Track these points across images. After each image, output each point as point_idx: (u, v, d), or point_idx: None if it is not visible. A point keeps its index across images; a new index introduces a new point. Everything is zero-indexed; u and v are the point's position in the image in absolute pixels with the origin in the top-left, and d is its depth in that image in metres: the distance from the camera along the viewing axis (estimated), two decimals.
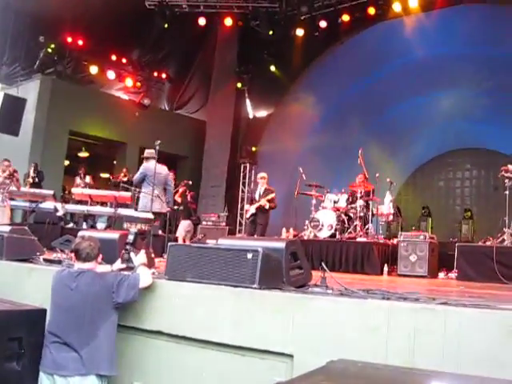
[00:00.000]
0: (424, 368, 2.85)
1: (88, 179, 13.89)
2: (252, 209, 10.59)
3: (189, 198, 13.27)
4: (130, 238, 4.63)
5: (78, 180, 13.93)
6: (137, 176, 9.02)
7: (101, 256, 4.22)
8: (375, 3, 13.71)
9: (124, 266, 4.54)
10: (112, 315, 3.94)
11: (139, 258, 4.36)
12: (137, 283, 3.97)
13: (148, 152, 8.82)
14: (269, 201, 10.47)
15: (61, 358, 3.81)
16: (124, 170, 14.47)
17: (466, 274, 8.06)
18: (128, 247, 4.59)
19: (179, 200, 13.49)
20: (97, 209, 11.88)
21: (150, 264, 5.22)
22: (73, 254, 4.21)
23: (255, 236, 9.99)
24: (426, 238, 9.08)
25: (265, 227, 10.61)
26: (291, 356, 3.39)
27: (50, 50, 14.81)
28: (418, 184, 17.88)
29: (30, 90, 14.86)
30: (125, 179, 13.86)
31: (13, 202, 11.75)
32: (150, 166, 8.49)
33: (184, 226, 12.35)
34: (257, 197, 10.69)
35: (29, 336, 4.09)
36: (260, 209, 10.43)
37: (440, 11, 13.19)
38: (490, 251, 7.92)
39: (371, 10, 13.83)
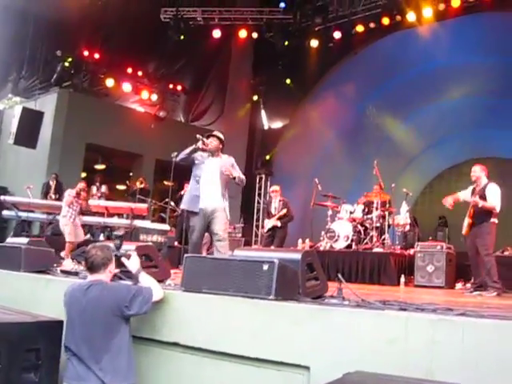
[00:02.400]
0: (442, 380, 2.83)
1: (104, 189, 13.98)
2: (269, 224, 10.66)
3: None
4: (117, 242, 4.46)
5: (94, 189, 14.02)
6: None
7: (112, 266, 4.11)
8: (389, 13, 13.69)
9: (118, 270, 4.32)
10: (124, 326, 3.90)
11: (133, 262, 4.25)
12: (150, 298, 3.93)
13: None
14: (281, 217, 10.59)
15: (81, 371, 3.81)
16: (141, 178, 14.46)
17: (484, 284, 7.96)
18: (117, 253, 4.31)
19: None
20: (113, 220, 11.96)
21: (166, 275, 5.24)
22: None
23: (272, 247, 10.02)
24: (443, 248, 9.01)
25: (283, 240, 10.69)
26: (307, 368, 3.37)
27: (67, 64, 14.97)
28: (434, 194, 17.74)
29: (47, 104, 15.03)
30: (141, 186, 13.88)
31: (31, 214, 11.89)
32: None
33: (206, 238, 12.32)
34: (273, 210, 10.78)
35: (46, 347, 4.11)
36: (276, 225, 10.52)
37: (454, 20, 13.14)
38: (508, 261, 7.86)
39: (385, 20, 13.82)
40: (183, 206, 7.27)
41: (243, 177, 6.98)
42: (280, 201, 10.80)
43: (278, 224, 10.54)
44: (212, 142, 6.91)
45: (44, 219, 11.93)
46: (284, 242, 10.74)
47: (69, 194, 9.79)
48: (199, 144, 6.85)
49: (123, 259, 4.27)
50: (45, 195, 13.04)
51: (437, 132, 15.76)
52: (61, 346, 4.11)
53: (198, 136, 6.94)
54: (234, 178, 6.80)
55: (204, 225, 6.75)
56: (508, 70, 12.80)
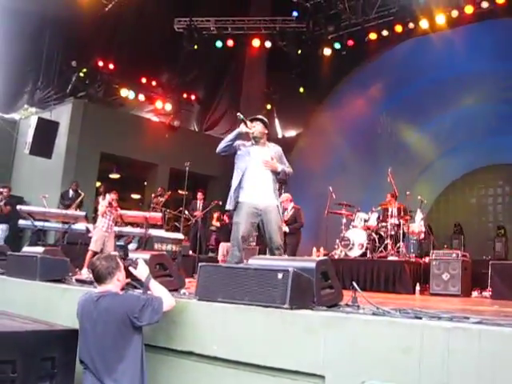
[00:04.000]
0: None
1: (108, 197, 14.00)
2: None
3: (227, 219, 13.36)
4: (120, 252, 4.38)
5: (100, 200, 14.06)
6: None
7: (120, 275, 4.03)
8: (402, 21, 13.71)
9: (128, 280, 4.29)
10: (135, 337, 3.87)
11: (141, 270, 4.16)
12: (161, 308, 3.87)
13: None
14: (288, 223, 10.35)
15: (95, 383, 3.81)
16: (160, 189, 14.43)
17: (501, 292, 7.89)
18: (124, 262, 4.21)
19: (218, 225, 13.61)
20: (128, 229, 12.01)
21: (181, 284, 5.25)
22: None
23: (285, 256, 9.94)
24: (459, 256, 8.94)
25: (295, 247, 10.55)
26: (323, 377, 3.35)
27: (81, 74, 15.13)
28: (449, 201, 17.65)
29: (62, 114, 15.16)
30: (162, 200, 13.82)
31: (46, 224, 11.98)
32: None
33: (224, 248, 12.30)
34: (285, 218, 10.62)
35: (62, 356, 4.13)
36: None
37: (467, 27, 13.12)
38: None
39: (398, 28, 13.84)
40: (228, 206, 6.14)
41: (290, 170, 6.20)
42: (293, 208, 10.76)
43: (287, 229, 10.09)
44: (255, 127, 6.09)
45: (59, 228, 11.99)
46: (297, 249, 10.60)
47: (101, 204, 9.88)
48: (242, 127, 6.05)
49: (131, 268, 4.19)
50: (64, 205, 13.05)
51: (451, 139, 15.68)
52: (76, 355, 4.12)
53: (238, 114, 6.14)
54: (279, 174, 6.02)
55: (253, 223, 5.88)
56: None
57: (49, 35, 14.08)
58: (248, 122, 6.06)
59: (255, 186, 5.91)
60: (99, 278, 3.97)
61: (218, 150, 6.17)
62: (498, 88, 13.50)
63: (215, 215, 14.00)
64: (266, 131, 6.22)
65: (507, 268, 8.38)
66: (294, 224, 10.52)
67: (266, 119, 6.29)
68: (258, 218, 5.87)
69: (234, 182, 6.06)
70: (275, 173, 5.99)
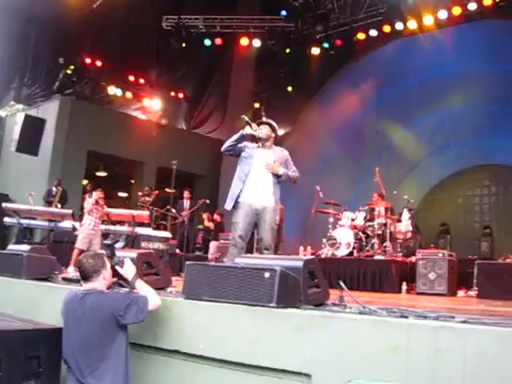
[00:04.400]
0: None
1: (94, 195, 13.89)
2: None
3: (219, 218, 13.36)
4: (108, 252, 4.39)
5: (87, 198, 13.96)
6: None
7: (106, 273, 4.04)
8: (390, 21, 13.76)
9: (115, 279, 4.31)
10: (120, 335, 3.86)
11: (127, 269, 4.16)
12: (146, 307, 3.85)
13: None
14: None
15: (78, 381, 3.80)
16: (147, 188, 14.31)
17: (486, 291, 7.97)
18: (110, 262, 4.18)
19: (211, 225, 13.58)
20: (115, 228, 11.94)
21: (167, 283, 5.23)
22: None
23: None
24: (445, 255, 8.99)
25: (277, 245, 10.57)
26: (309, 376, 3.36)
27: (69, 72, 15.03)
28: (436, 201, 17.72)
29: (49, 111, 15.08)
30: (149, 199, 13.74)
31: (32, 222, 11.89)
32: None
33: (214, 246, 12.31)
34: None
35: (47, 355, 4.11)
36: None
37: (455, 28, 13.20)
38: (511, 268, 7.84)
39: (386, 28, 13.89)
40: (227, 206, 6.13)
41: (296, 174, 6.23)
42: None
43: None
44: (262, 130, 6.12)
45: (46, 226, 11.90)
46: (278, 246, 10.57)
47: (87, 202, 9.83)
48: (247, 129, 6.06)
49: (117, 267, 4.18)
50: (48, 202, 13.00)
51: (438, 139, 15.75)
52: (61, 354, 4.10)
53: (242, 116, 6.17)
54: (280, 176, 6.06)
55: (250, 223, 5.93)
56: (509, 77, 12.82)
57: (36, 32, 13.99)
58: (254, 125, 6.09)
59: (255, 187, 5.96)
60: (85, 275, 3.96)
61: (222, 148, 6.24)
62: (485, 88, 13.58)
63: (204, 216, 13.94)
64: (273, 135, 6.22)
65: (493, 267, 8.46)
66: None
67: (274, 123, 6.28)
68: (255, 217, 5.94)
69: (236, 183, 6.08)
70: (277, 176, 6.03)
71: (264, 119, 6.31)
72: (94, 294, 3.89)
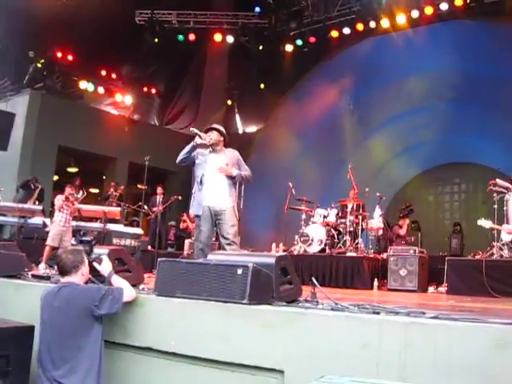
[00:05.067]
0: (415, 383, 2.85)
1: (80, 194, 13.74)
2: None
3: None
4: (86, 248, 4.44)
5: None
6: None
7: (84, 269, 4.10)
8: (363, 19, 13.86)
9: (89, 276, 4.33)
10: (95, 327, 3.89)
11: (104, 265, 4.28)
12: (121, 298, 3.94)
13: None
14: None
15: (50, 376, 3.77)
16: (113, 183, 14.21)
17: (456, 287, 8.11)
18: (88, 258, 4.26)
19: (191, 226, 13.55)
20: (85, 224, 11.82)
21: (139, 279, 5.19)
22: None
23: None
24: (416, 252, 9.11)
25: None
26: (282, 372, 3.37)
27: (39, 65, 14.80)
28: (407, 198, 17.88)
29: (19, 105, 14.82)
30: (116, 194, 13.61)
31: (1, 218, 11.70)
32: None
33: (189, 243, 12.28)
34: None
35: (16, 353, 4.05)
36: None
37: (428, 27, 13.34)
38: (480, 265, 7.97)
39: (360, 26, 13.98)
40: (192, 211, 6.75)
41: (248, 173, 6.51)
42: None
43: None
44: (211, 136, 6.42)
45: (15, 223, 11.72)
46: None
47: (58, 198, 9.72)
48: (196, 140, 6.40)
49: (95, 264, 4.28)
50: (24, 199, 12.76)
51: (409, 137, 15.91)
52: (31, 352, 4.05)
53: (191, 129, 6.58)
54: (234, 178, 6.37)
55: (212, 225, 6.31)
56: (481, 77, 13.00)
57: (4, 24, 13.71)
58: (202, 134, 6.41)
59: (211, 191, 6.35)
60: (64, 270, 4.01)
61: (177, 160, 6.65)
62: (455, 87, 13.75)
63: (185, 217, 13.83)
64: (222, 138, 6.54)
65: (463, 264, 8.60)
66: None
67: (221, 128, 6.60)
68: (214, 218, 6.31)
69: (195, 189, 6.59)
70: (231, 177, 6.37)
71: (212, 125, 6.63)
72: (69, 287, 3.94)
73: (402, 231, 11.68)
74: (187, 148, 6.52)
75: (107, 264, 4.29)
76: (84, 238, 4.62)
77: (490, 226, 8.75)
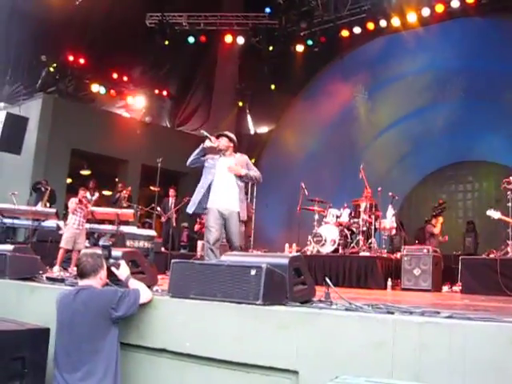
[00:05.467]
0: (430, 383, 2.84)
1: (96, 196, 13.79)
2: None
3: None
4: (105, 252, 4.49)
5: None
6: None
7: (103, 273, 4.16)
8: (374, 18, 13.81)
9: (107, 280, 4.37)
10: (112, 330, 3.92)
11: (122, 270, 4.34)
12: (137, 299, 3.98)
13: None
14: None
15: (67, 379, 3.80)
16: (120, 185, 14.22)
17: (470, 286, 8.05)
18: (106, 263, 4.31)
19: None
20: (99, 226, 11.89)
21: (153, 281, 5.21)
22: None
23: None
24: (430, 251, 9.05)
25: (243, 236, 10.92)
26: (296, 372, 3.37)
27: (51, 69, 14.92)
28: (420, 198, 17.84)
29: (32, 109, 14.93)
30: (125, 195, 13.63)
31: (15, 221, 11.79)
32: None
33: (202, 244, 12.30)
34: None
35: (32, 355, 4.07)
36: None
37: (439, 25, 13.28)
38: (494, 264, 7.91)
39: (370, 25, 13.94)
40: (188, 210, 6.92)
41: (257, 174, 6.77)
42: None
43: None
44: (221, 141, 6.72)
45: (29, 226, 11.81)
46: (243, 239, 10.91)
47: (71, 201, 9.80)
48: (207, 143, 6.67)
49: (113, 269, 4.33)
50: (35, 201, 12.86)
51: (421, 136, 15.85)
52: (47, 354, 4.08)
53: (201, 131, 6.92)
54: (242, 177, 6.62)
55: (221, 227, 6.54)
56: (493, 74, 12.93)
57: (17, 29, 13.82)
58: (213, 138, 6.68)
59: (220, 194, 6.58)
60: (83, 273, 4.06)
61: (187, 163, 6.91)
62: (467, 85, 13.69)
63: (199, 220, 13.84)
64: (231, 144, 6.80)
65: (476, 263, 8.53)
66: None
67: (231, 135, 6.89)
68: (223, 220, 6.54)
69: (198, 192, 6.79)
70: (239, 177, 6.63)
71: (223, 132, 6.92)
72: (87, 290, 3.98)
73: (436, 230, 11.48)
74: (197, 150, 6.77)
75: (125, 268, 4.36)
76: (103, 243, 4.65)
77: (499, 217, 8.70)
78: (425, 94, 14.74)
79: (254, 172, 6.75)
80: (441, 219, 11.93)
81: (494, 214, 8.72)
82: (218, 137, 6.77)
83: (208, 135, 6.68)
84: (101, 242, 4.58)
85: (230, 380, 3.69)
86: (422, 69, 14.12)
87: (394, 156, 16.64)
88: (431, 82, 14.24)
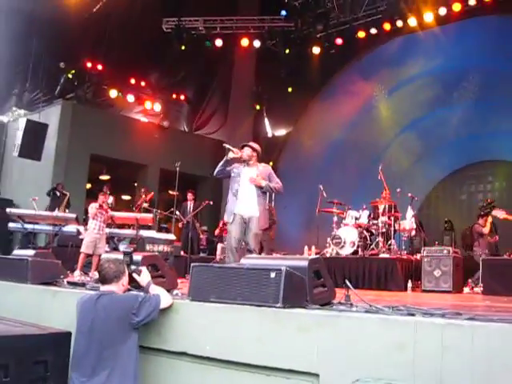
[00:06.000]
0: None
1: (111, 200, 13.88)
2: None
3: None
4: (126, 259, 4.53)
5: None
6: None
7: (125, 279, 4.21)
8: (390, 19, 13.75)
9: (128, 286, 4.43)
10: (132, 335, 3.95)
11: (143, 276, 4.38)
12: (158, 304, 4.00)
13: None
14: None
15: (85, 382, 3.83)
16: (143, 190, 14.32)
17: (492, 288, 7.94)
18: (127, 269, 4.38)
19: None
20: (119, 231, 11.97)
21: (173, 285, 5.23)
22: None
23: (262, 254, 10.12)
24: (450, 252, 8.96)
25: (270, 242, 11.22)
26: (317, 375, 3.36)
27: (70, 76, 15.07)
28: (439, 198, 17.70)
29: (51, 116, 15.09)
30: (146, 205, 13.69)
31: (36, 226, 11.92)
32: None
33: (221, 248, 12.35)
34: None
35: (54, 359, 4.11)
36: None
37: (455, 24, 13.18)
38: None
39: (387, 26, 13.88)
40: (225, 217, 7.26)
41: (278, 185, 7.05)
42: None
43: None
44: (244, 151, 7.03)
45: (50, 231, 11.93)
46: (272, 244, 11.29)
47: (91, 206, 9.88)
48: (230, 155, 6.93)
49: (134, 275, 4.38)
50: (52, 206, 12.97)
51: (439, 136, 15.74)
52: (69, 358, 4.11)
53: (224, 145, 7.15)
54: (262, 188, 6.92)
55: (242, 231, 6.86)
56: (509, 72, 12.79)
57: (36, 36, 13.99)
58: (235, 149, 6.95)
59: (243, 200, 6.94)
60: (105, 279, 4.11)
61: (214, 173, 7.23)
62: (486, 84, 13.56)
63: (220, 225, 13.89)
64: (255, 154, 7.11)
65: (498, 263, 8.44)
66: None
67: (255, 145, 7.22)
68: (244, 225, 6.90)
69: (231, 199, 7.07)
70: (260, 187, 6.93)
71: (247, 143, 7.24)
72: (108, 295, 4.02)
73: (486, 229, 11.28)
74: (221, 162, 7.04)
75: (146, 275, 4.40)
76: (125, 249, 4.70)
77: (504, 217, 8.63)
78: (443, 93, 14.64)
79: (276, 184, 7.03)
80: (490, 219, 11.66)
81: (499, 213, 8.66)
82: (242, 147, 7.07)
83: (231, 148, 6.95)
84: (122, 248, 4.60)
85: (251, 383, 3.70)
86: (439, 68, 14.02)
87: (412, 156, 16.53)
88: (449, 81, 14.13)
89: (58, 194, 13.27)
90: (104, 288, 4.11)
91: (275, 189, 7.01)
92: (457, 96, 14.57)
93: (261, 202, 6.93)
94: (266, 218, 7.04)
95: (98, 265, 4.39)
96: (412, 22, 13.34)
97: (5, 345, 3.90)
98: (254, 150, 7.09)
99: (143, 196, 13.79)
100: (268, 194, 7.14)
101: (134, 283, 4.42)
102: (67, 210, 12.91)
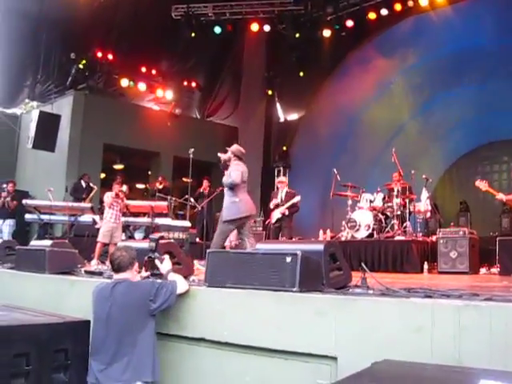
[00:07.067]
0: (471, 366, 2.81)
1: (125, 188, 13.95)
2: (277, 214, 10.69)
3: None
4: (152, 245, 4.60)
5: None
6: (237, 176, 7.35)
7: (137, 265, 4.26)
8: None
9: (148, 273, 4.54)
10: (149, 322, 4.00)
11: (165, 264, 4.43)
12: (174, 290, 4.05)
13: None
14: (290, 207, 10.75)
15: (105, 370, 3.87)
16: (160, 178, 14.51)
17: (509, 268, 7.88)
18: (151, 255, 4.54)
19: None
20: (134, 219, 12.02)
21: (189, 271, 5.26)
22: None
23: (281, 239, 10.11)
24: (466, 233, 8.92)
25: (291, 230, 10.92)
26: (335, 358, 3.37)
27: (81, 66, 15.07)
28: (454, 179, 17.57)
29: (63, 106, 15.14)
30: (160, 187, 13.88)
31: (53, 217, 12.01)
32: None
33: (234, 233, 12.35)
34: (279, 201, 10.79)
35: (74, 347, 4.17)
36: (284, 213, 10.70)
37: (466, 3, 13.00)
38: None
39: (398, 7, 13.71)
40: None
41: (229, 180, 7.32)
42: (288, 192, 10.89)
43: (287, 212, 10.69)
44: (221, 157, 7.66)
45: (66, 221, 12.01)
46: (292, 232, 10.96)
47: (107, 195, 9.93)
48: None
49: (157, 261, 4.45)
50: (78, 198, 13.00)
51: (454, 116, 15.57)
52: (88, 346, 4.16)
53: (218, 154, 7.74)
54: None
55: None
56: None
57: (47, 28, 13.99)
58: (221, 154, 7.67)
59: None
60: (120, 267, 4.14)
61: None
62: (499, 64, 13.37)
63: None
64: (231, 156, 7.57)
65: None
66: (292, 208, 10.82)
67: (231, 148, 7.67)
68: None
69: None
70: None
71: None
72: (124, 283, 4.07)
73: None
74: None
75: (168, 263, 4.45)
76: (152, 236, 4.78)
77: (486, 189, 8.60)
78: (455, 73, 14.46)
79: (229, 178, 7.36)
80: None
81: (482, 185, 8.63)
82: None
83: (220, 155, 7.65)
84: (152, 236, 4.68)
85: (269, 367, 3.72)
86: (451, 48, 13.84)
87: (426, 138, 16.39)
88: (461, 61, 13.95)
89: (84, 185, 13.32)
90: (118, 276, 4.15)
91: (224, 184, 7.42)
92: (470, 76, 14.39)
93: (226, 198, 7.39)
94: (231, 212, 7.22)
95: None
96: (423, 1, 13.19)
97: (26, 334, 3.96)
98: (230, 152, 7.56)
99: (158, 185, 13.88)
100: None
101: (154, 270, 4.49)
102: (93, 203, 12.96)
